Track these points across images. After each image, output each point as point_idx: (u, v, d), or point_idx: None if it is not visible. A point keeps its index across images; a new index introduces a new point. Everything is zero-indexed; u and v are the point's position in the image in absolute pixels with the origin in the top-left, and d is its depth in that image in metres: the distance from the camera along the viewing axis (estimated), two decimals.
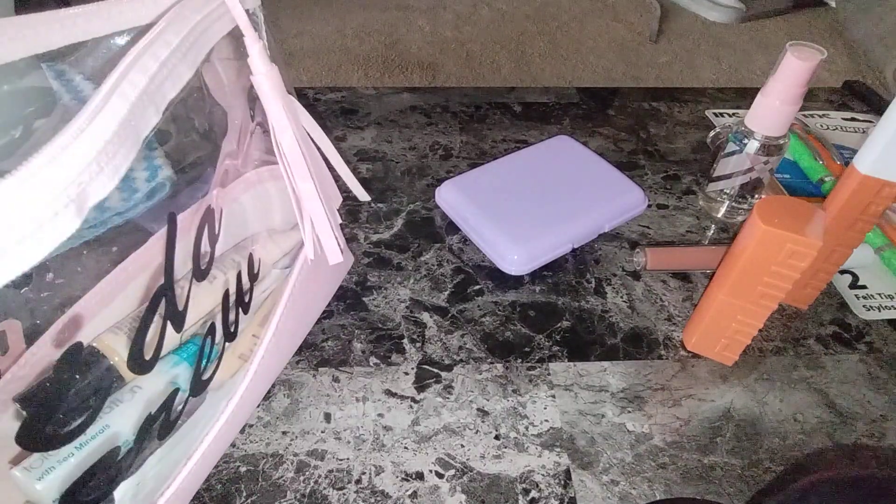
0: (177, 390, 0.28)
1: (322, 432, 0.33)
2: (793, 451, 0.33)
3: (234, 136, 0.34)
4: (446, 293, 0.41)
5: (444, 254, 0.44)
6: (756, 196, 0.46)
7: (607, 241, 0.45)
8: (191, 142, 0.33)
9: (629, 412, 0.35)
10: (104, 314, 0.30)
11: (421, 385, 0.36)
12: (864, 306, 0.41)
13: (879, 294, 0.42)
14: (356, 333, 0.38)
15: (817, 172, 0.50)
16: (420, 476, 0.32)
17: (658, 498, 0.31)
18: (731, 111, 0.60)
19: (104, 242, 0.31)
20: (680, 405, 0.35)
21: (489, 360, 0.37)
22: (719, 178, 0.46)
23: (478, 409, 0.35)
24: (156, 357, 0.26)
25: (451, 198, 0.45)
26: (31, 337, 0.27)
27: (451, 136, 0.55)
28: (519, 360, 0.37)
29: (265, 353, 0.31)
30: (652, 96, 0.62)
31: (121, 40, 0.23)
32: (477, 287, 0.42)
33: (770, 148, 0.43)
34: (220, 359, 0.31)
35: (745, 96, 0.62)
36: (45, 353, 0.27)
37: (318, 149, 0.33)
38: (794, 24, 1.79)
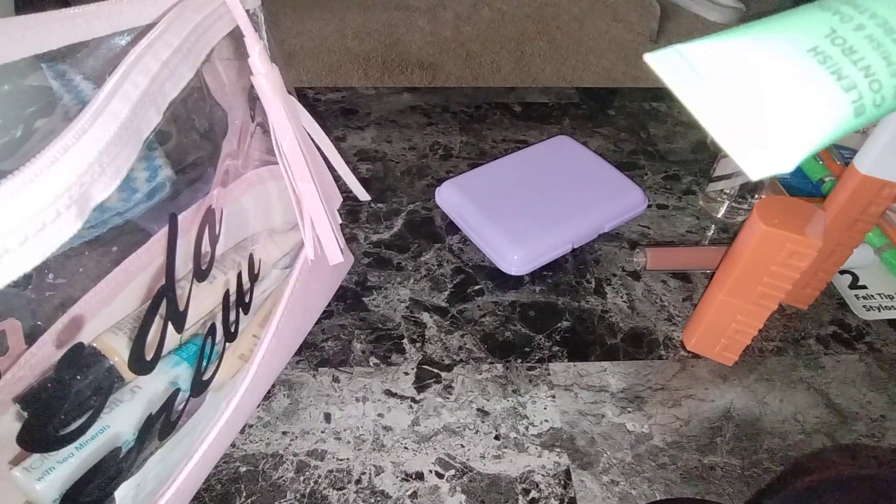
0: (177, 390, 0.28)
1: (322, 432, 0.33)
2: (793, 451, 0.33)
3: (234, 137, 0.34)
4: (446, 293, 0.41)
5: (444, 254, 0.44)
6: (756, 196, 0.46)
7: (607, 241, 0.45)
8: (191, 142, 0.33)
9: (629, 412, 0.35)
10: (104, 314, 0.30)
11: (421, 385, 0.36)
12: (864, 306, 0.41)
13: (879, 294, 0.42)
14: (356, 333, 0.38)
15: (817, 172, 0.50)
16: (420, 476, 0.32)
17: (658, 498, 0.31)
18: None
19: (104, 242, 0.31)
20: (680, 405, 0.35)
21: (489, 360, 0.37)
22: (719, 178, 0.46)
23: (478, 409, 0.35)
24: (157, 357, 0.26)
25: (451, 198, 0.45)
26: (31, 337, 0.27)
27: (451, 136, 0.55)
28: (519, 360, 0.37)
29: (265, 353, 0.31)
30: (652, 96, 0.62)
31: (122, 40, 0.23)
32: (477, 287, 0.42)
33: None
34: (220, 359, 0.31)
35: None
36: (45, 353, 0.27)
37: (318, 149, 0.33)
38: None
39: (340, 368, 0.36)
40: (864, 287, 0.43)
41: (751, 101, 0.15)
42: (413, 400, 0.35)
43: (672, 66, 0.15)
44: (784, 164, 0.15)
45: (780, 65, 0.15)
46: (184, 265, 0.28)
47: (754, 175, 0.15)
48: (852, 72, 0.15)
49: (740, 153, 0.15)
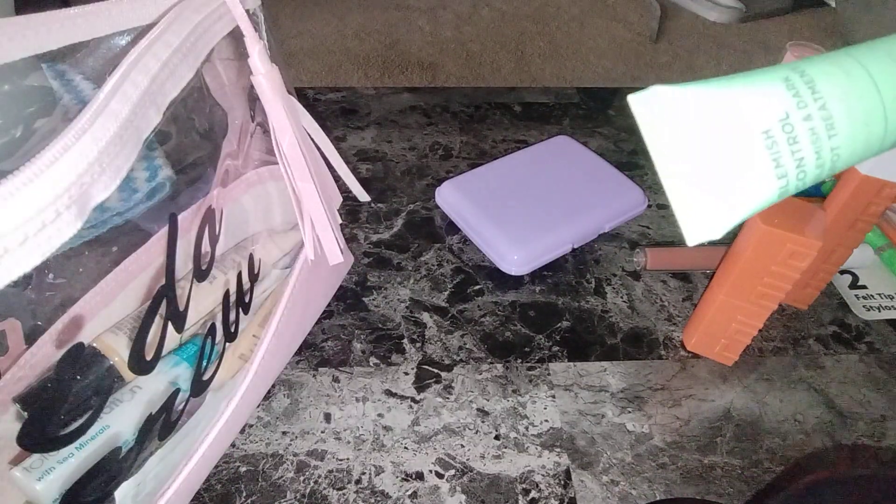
0: (177, 390, 0.28)
1: (322, 432, 0.33)
2: (793, 451, 0.34)
3: (234, 137, 0.34)
4: (446, 293, 0.41)
5: (444, 254, 0.44)
6: None
7: (607, 241, 0.45)
8: (191, 142, 0.33)
9: (629, 412, 0.35)
10: (104, 314, 0.30)
11: (421, 385, 0.36)
12: (864, 306, 0.41)
13: (879, 294, 0.42)
14: (356, 333, 0.38)
15: None
16: (420, 476, 0.32)
17: (658, 498, 0.31)
18: None
19: (104, 242, 0.31)
20: (680, 405, 0.35)
21: (489, 360, 0.37)
22: None
23: (478, 409, 0.35)
24: (156, 357, 0.26)
25: (451, 198, 0.45)
26: (31, 337, 0.27)
27: (451, 136, 0.55)
28: (519, 360, 0.37)
29: (265, 353, 0.31)
30: None
31: (122, 40, 0.23)
32: (477, 287, 0.42)
33: None
34: (220, 359, 0.31)
35: None
36: (45, 353, 0.27)
37: (318, 149, 0.33)
38: (794, 24, 1.79)
39: (340, 368, 0.36)
40: (864, 287, 0.43)
41: (703, 166, 0.17)
42: (413, 400, 0.35)
43: (649, 112, 0.17)
44: (714, 233, 0.18)
45: (736, 140, 0.17)
46: (184, 265, 0.28)
47: (691, 241, 0.18)
48: (788, 162, 0.17)
49: (685, 218, 0.18)
